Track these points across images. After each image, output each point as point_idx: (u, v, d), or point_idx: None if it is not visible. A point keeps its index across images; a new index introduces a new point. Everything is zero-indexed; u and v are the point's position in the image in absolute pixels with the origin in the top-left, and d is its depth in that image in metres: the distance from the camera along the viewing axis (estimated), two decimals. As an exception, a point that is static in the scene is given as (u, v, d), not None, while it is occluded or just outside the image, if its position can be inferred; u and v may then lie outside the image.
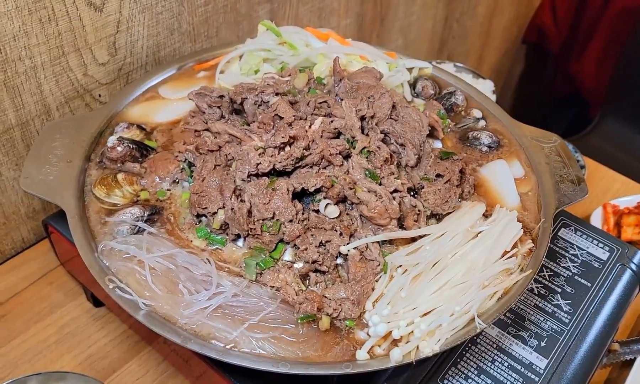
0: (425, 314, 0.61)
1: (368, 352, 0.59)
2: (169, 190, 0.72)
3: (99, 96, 0.92)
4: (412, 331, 0.59)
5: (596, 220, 1.04)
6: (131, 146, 0.74)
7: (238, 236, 0.66)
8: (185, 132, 0.75)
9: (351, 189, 0.66)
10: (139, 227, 0.66)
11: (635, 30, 2.04)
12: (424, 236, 0.67)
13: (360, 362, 0.58)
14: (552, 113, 2.78)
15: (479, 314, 0.62)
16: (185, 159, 0.72)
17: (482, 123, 0.87)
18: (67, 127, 0.77)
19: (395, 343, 0.59)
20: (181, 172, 0.72)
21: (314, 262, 0.63)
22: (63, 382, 0.73)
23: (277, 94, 0.74)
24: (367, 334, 0.60)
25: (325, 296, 0.61)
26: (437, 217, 0.70)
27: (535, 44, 2.60)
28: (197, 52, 0.95)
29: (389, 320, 0.59)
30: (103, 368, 0.81)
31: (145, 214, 0.68)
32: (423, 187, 0.70)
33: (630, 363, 0.85)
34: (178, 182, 0.72)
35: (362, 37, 1.48)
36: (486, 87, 1.24)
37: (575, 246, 0.83)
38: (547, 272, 0.80)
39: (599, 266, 0.81)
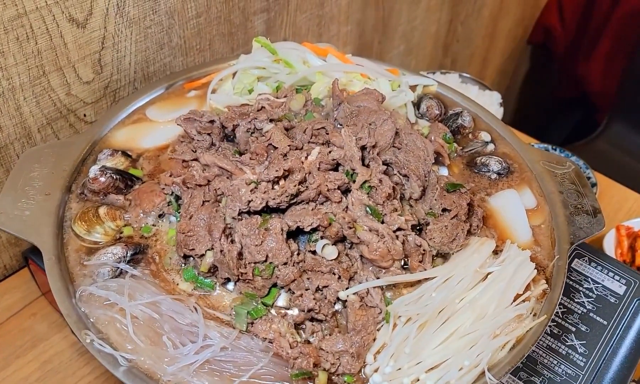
0: (431, 369, 0.56)
1: (369, 413, 0.54)
2: (154, 225, 0.67)
3: (84, 115, 0.87)
4: (418, 389, 0.54)
5: (609, 243, 0.99)
6: (115, 177, 0.69)
7: (228, 280, 0.61)
8: (172, 160, 0.70)
9: (351, 228, 0.61)
10: (121, 269, 0.61)
11: (644, 33, 1.98)
12: (431, 279, 0.62)
13: (360, 425, 0.53)
14: (557, 116, 2.73)
15: (490, 367, 0.57)
16: (172, 192, 0.67)
17: (490, 147, 0.81)
18: (47, 155, 0.72)
19: (398, 403, 0.54)
20: (168, 205, 0.67)
21: (310, 310, 0.58)
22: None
23: (271, 121, 0.69)
24: (368, 391, 0.55)
25: (322, 349, 0.56)
26: (444, 256, 0.65)
27: (541, 45, 2.55)
28: (187, 69, 0.89)
29: (392, 378, 0.54)
30: (88, 407, 0.77)
31: (129, 254, 0.63)
32: (428, 224, 0.65)
33: (648, 402, 0.80)
34: (164, 216, 0.67)
35: (364, 44, 1.43)
36: (493, 99, 1.19)
37: (589, 279, 0.78)
38: (560, 309, 0.75)
39: (615, 301, 0.76)
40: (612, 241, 1.00)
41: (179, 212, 0.66)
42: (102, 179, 0.69)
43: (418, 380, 0.55)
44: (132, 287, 0.59)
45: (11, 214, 0.65)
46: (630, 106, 2.13)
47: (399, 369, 0.55)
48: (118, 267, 0.61)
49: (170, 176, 0.66)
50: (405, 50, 1.63)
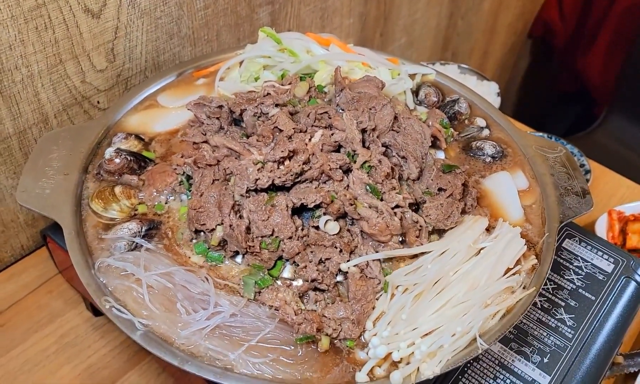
0: (426, 335, 0.60)
1: (368, 374, 0.58)
2: (167, 203, 0.71)
3: (98, 102, 0.91)
4: (413, 353, 0.58)
5: (601, 227, 1.03)
6: (129, 158, 0.73)
7: (237, 253, 0.65)
8: (183, 143, 0.74)
9: (352, 205, 0.65)
10: (137, 243, 0.65)
11: (643, 27, 2.01)
12: (426, 253, 0.66)
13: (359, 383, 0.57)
14: (557, 109, 2.76)
15: (481, 333, 0.60)
16: (184, 172, 0.71)
17: (486, 132, 0.85)
18: (65, 138, 0.76)
19: (395, 364, 0.58)
20: (179, 185, 0.71)
21: (313, 280, 0.62)
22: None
23: (276, 105, 0.73)
24: (367, 354, 0.59)
25: (325, 316, 0.61)
26: (439, 232, 0.69)
27: (541, 39, 2.57)
28: (196, 58, 0.93)
29: (389, 341, 0.58)
30: (103, 378, 0.81)
31: (143, 229, 0.67)
32: (425, 202, 0.69)
33: (634, 375, 0.84)
34: (176, 195, 0.71)
35: (366, 36, 1.47)
36: (491, 89, 1.22)
37: (579, 258, 0.82)
38: (550, 285, 0.79)
39: (604, 278, 0.80)
40: (604, 225, 1.04)
41: (189, 191, 0.70)
42: (117, 160, 0.73)
43: (413, 344, 0.59)
44: (147, 259, 0.64)
45: (32, 192, 0.69)
46: (628, 100, 2.16)
47: (396, 334, 0.59)
48: (134, 242, 0.65)
49: (182, 157, 0.71)
50: (407, 43, 1.67)
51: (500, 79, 2.58)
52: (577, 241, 0.85)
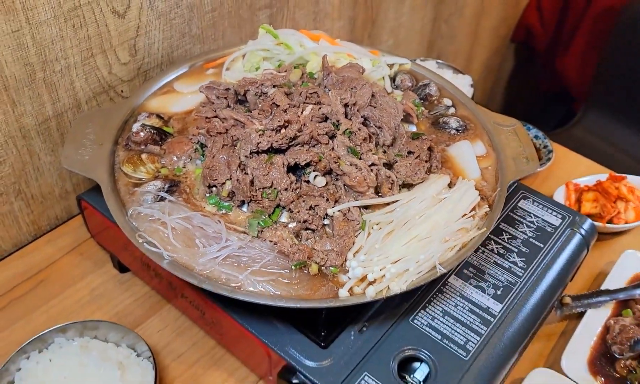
0: (395, 262, 0.74)
1: (348, 291, 0.72)
2: (184, 167, 0.86)
3: (121, 91, 1.06)
4: (384, 275, 0.73)
5: (559, 197, 1.18)
6: (152, 131, 0.88)
7: (242, 203, 0.80)
8: (197, 119, 0.89)
9: (336, 163, 0.80)
10: (161, 196, 0.80)
11: (615, 28, 2.17)
12: (397, 201, 0.81)
13: (342, 298, 0.72)
14: (542, 108, 2.91)
15: (440, 262, 0.75)
16: (198, 141, 0.86)
17: (452, 110, 1.00)
18: (98, 117, 0.91)
19: (370, 283, 0.73)
20: (194, 152, 0.86)
21: (304, 221, 0.77)
22: (97, 330, 0.87)
23: (274, 86, 0.88)
24: (348, 277, 0.74)
25: (314, 248, 0.75)
26: (408, 187, 0.84)
27: (523, 43, 2.73)
28: (205, 52, 1.09)
29: (365, 266, 0.73)
30: (128, 322, 0.95)
31: (166, 186, 0.82)
32: (397, 162, 0.84)
33: (582, 314, 0.98)
34: (192, 160, 0.86)
35: (355, 38, 1.62)
36: (465, 81, 1.37)
37: (532, 214, 0.97)
38: (506, 235, 0.93)
39: (552, 230, 0.95)
40: (562, 195, 1.19)
41: (203, 156, 0.85)
42: (142, 133, 0.88)
43: (384, 268, 0.73)
44: (170, 207, 0.78)
45: (74, 158, 0.84)
46: (603, 97, 2.31)
47: (371, 260, 0.74)
48: (159, 195, 0.80)
49: (197, 128, 0.86)
50: (394, 44, 1.83)
51: (486, 81, 2.74)
52: (531, 201, 0.99)
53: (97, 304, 0.97)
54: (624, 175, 1.20)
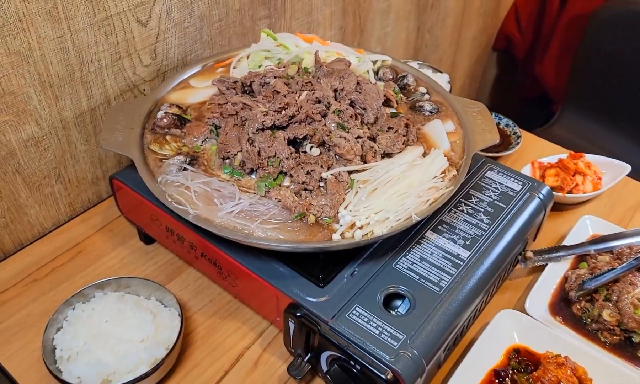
0: (378, 212, 0.91)
1: (340, 235, 0.89)
2: (201, 145, 1.03)
3: (144, 90, 1.23)
4: (369, 222, 0.89)
5: (525, 173, 1.34)
6: (174, 117, 1.05)
7: (252, 170, 0.97)
8: (211, 106, 1.06)
9: (328, 136, 0.97)
10: (184, 167, 0.97)
11: (584, 34, 2.36)
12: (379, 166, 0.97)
13: (335, 241, 0.88)
14: (524, 112, 3.10)
15: (415, 213, 0.92)
16: (213, 123, 1.03)
17: (426, 96, 1.18)
18: (126, 108, 1.08)
19: (358, 229, 0.89)
20: (210, 133, 1.03)
21: (303, 183, 0.94)
22: (129, 287, 1.03)
23: (275, 77, 1.06)
24: (340, 225, 0.90)
25: (312, 204, 0.92)
26: (389, 156, 1.01)
27: (504, 51, 2.92)
28: (215, 54, 1.26)
29: (354, 215, 0.90)
30: (154, 284, 1.11)
31: (187, 160, 0.98)
32: (379, 135, 1.01)
33: (542, 267, 1.14)
34: (208, 139, 1.03)
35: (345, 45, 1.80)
36: (443, 79, 1.55)
37: (497, 182, 1.14)
38: (474, 199, 1.10)
39: (514, 194, 1.11)
40: (528, 172, 1.35)
41: (217, 136, 1.02)
42: (165, 120, 1.05)
43: (369, 216, 0.90)
44: (192, 175, 0.95)
45: (110, 140, 1.01)
46: (577, 97, 2.50)
47: (358, 210, 0.90)
48: (182, 166, 0.97)
49: (212, 113, 1.03)
50: (381, 52, 2.00)
51: (471, 88, 2.93)
52: (496, 172, 1.16)
53: (126, 270, 1.13)
54: (581, 153, 1.37)
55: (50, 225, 1.19)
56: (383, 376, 0.82)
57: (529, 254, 1.13)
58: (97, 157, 1.21)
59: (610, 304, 1.05)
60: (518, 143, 1.45)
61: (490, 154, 1.39)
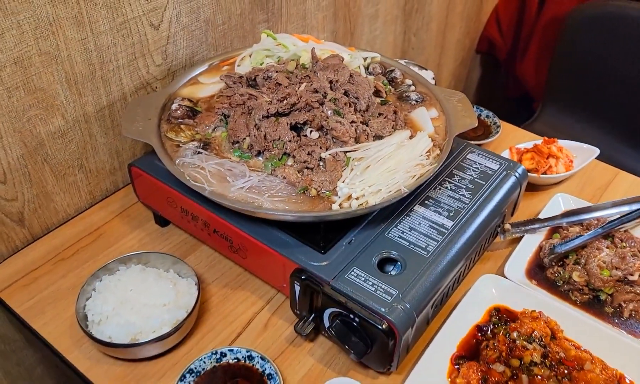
0: (371, 186, 1.03)
1: (339, 205, 1.01)
2: (213, 132, 1.15)
3: (155, 87, 1.35)
4: (364, 194, 1.02)
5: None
6: (187, 109, 1.17)
7: (259, 153, 1.09)
8: (220, 98, 1.18)
9: (325, 121, 1.09)
10: (198, 151, 1.09)
11: (560, 35, 2.50)
12: (371, 147, 1.10)
13: (334, 210, 1.00)
14: (508, 112, 3.24)
15: (404, 186, 1.04)
16: (222, 113, 1.15)
17: (412, 88, 1.31)
18: (143, 102, 1.20)
19: (354, 199, 1.02)
20: (220, 121, 1.15)
21: (305, 162, 1.06)
22: (149, 262, 1.14)
23: (277, 72, 1.18)
24: (338, 197, 1.03)
25: (313, 179, 1.04)
26: (380, 138, 1.14)
27: (487, 54, 3.07)
28: (219, 55, 1.38)
29: (350, 188, 1.02)
30: (170, 262, 1.23)
31: (201, 145, 1.10)
32: (370, 120, 1.14)
33: (519, 239, 1.27)
34: (218, 128, 1.15)
35: (336, 48, 1.93)
36: (428, 75, 1.68)
37: (477, 163, 1.26)
38: (457, 177, 1.22)
39: (492, 173, 1.24)
40: (506, 156, 1.48)
41: (226, 124, 1.14)
42: (179, 111, 1.17)
43: (364, 189, 1.02)
44: (206, 157, 1.07)
45: (131, 129, 1.13)
46: (556, 95, 2.64)
47: (354, 184, 1.02)
48: (197, 150, 1.09)
49: (221, 103, 1.15)
50: (370, 53, 2.14)
51: (456, 89, 3.04)
52: (477, 154, 1.29)
53: (144, 250, 1.24)
54: (554, 138, 1.50)
55: (73, 211, 1.30)
56: (379, 326, 0.94)
57: (507, 226, 1.26)
58: (114, 150, 1.33)
59: (579, 267, 1.18)
60: (498, 132, 1.58)
61: (472, 142, 1.51)
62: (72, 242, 1.24)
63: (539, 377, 0.96)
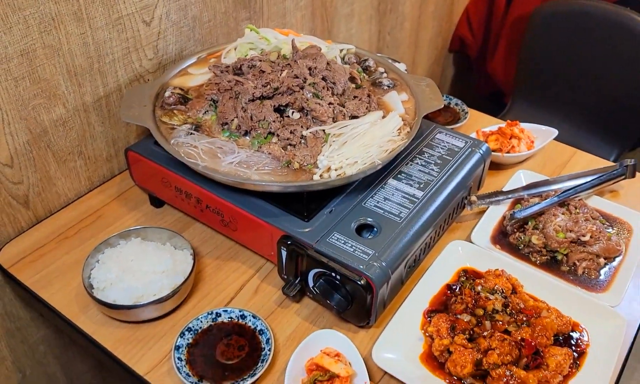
0: (348, 158, 1.15)
1: (319, 176, 1.13)
2: (203, 116, 1.26)
3: (147, 79, 1.46)
4: (342, 165, 1.14)
5: (471, 140, 1.60)
6: (179, 96, 1.28)
7: (246, 132, 1.20)
8: (209, 86, 1.29)
9: (305, 103, 1.21)
10: (191, 132, 1.20)
11: (526, 32, 2.65)
12: (348, 125, 1.22)
13: (315, 181, 1.12)
14: (482, 108, 3.39)
15: (378, 159, 1.16)
16: (211, 99, 1.26)
17: (385, 75, 1.43)
18: (138, 91, 1.31)
19: (333, 171, 1.13)
20: (210, 106, 1.26)
21: (288, 139, 1.17)
22: (147, 235, 1.24)
23: (260, 61, 1.30)
24: (318, 168, 1.14)
25: (296, 154, 1.16)
26: (355, 118, 1.26)
27: (459, 52, 3.21)
28: (206, 49, 1.50)
29: (329, 160, 1.14)
30: (165, 239, 1.33)
31: (193, 127, 1.21)
32: (346, 102, 1.26)
33: (485, 210, 1.40)
34: (208, 112, 1.26)
35: (315, 45, 2.05)
36: (401, 66, 1.80)
37: (445, 141, 1.39)
38: (427, 154, 1.35)
39: (458, 149, 1.37)
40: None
41: (216, 109, 1.25)
42: (172, 98, 1.28)
43: (342, 161, 1.14)
44: (198, 137, 1.18)
45: (129, 114, 1.23)
46: (524, 89, 2.78)
47: (332, 157, 1.14)
48: (189, 131, 1.20)
49: (211, 90, 1.26)
50: (347, 52, 2.26)
51: (431, 87, 3.19)
52: (445, 134, 1.42)
53: (145, 224, 1.35)
54: (516, 121, 1.64)
55: (73, 195, 1.40)
56: (358, 282, 1.06)
57: (473, 198, 1.38)
58: (110, 138, 1.43)
59: (538, 232, 1.31)
60: (466, 117, 1.71)
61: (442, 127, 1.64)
62: (73, 223, 1.34)
63: (500, 322, 1.08)
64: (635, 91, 2.38)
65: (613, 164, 1.53)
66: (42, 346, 1.46)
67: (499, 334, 1.06)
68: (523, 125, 1.64)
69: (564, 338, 1.11)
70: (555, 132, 1.63)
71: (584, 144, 2.35)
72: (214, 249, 1.30)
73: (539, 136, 1.64)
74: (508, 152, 1.56)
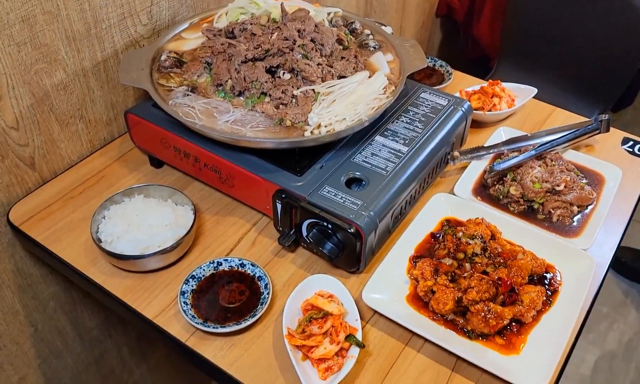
0: (337, 115, 1.22)
1: (310, 132, 1.20)
2: (198, 78, 1.32)
3: (142, 45, 1.51)
4: (331, 122, 1.21)
5: (455, 99, 1.68)
6: (174, 59, 1.34)
7: (240, 93, 1.27)
8: (203, 48, 1.35)
9: (296, 64, 1.27)
10: (187, 93, 1.27)
11: (511, -5, 2.69)
12: (336, 85, 1.29)
13: (307, 137, 1.19)
14: (470, 72, 3.45)
15: (365, 116, 1.23)
16: (206, 61, 1.33)
17: (371, 37, 1.50)
18: (135, 55, 1.36)
19: (323, 127, 1.21)
20: (204, 69, 1.33)
21: (279, 98, 1.24)
22: (150, 194, 1.32)
23: (251, 24, 1.36)
24: (309, 125, 1.21)
25: (287, 112, 1.23)
26: (343, 77, 1.32)
27: (446, 17, 3.26)
28: (198, 14, 1.55)
29: (319, 118, 1.21)
30: (165, 197, 1.40)
31: (189, 89, 1.28)
32: (334, 63, 1.33)
33: (467, 165, 1.48)
34: (203, 74, 1.33)
35: (304, 10, 2.10)
36: (387, 30, 1.86)
37: (429, 100, 1.46)
38: (411, 112, 1.42)
39: (442, 108, 1.44)
40: (457, 98, 1.69)
41: (210, 71, 1.31)
42: (168, 62, 1.34)
43: (331, 119, 1.21)
44: (195, 98, 1.25)
45: (127, 77, 1.29)
46: (509, 52, 2.84)
47: (322, 114, 1.21)
48: (186, 93, 1.26)
49: (205, 52, 1.32)
50: (335, 17, 2.30)
51: (418, 51, 3.24)
52: (428, 93, 1.49)
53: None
54: (498, 80, 1.71)
55: (76, 158, 1.47)
56: (348, 230, 1.14)
57: (456, 153, 1.46)
58: (109, 102, 1.49)
59: (516, 183, 1.39)
60: (450, 78, 1.78)
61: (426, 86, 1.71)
62: (78, 184, 1.41)
63: (479, 264, 1.18)
64: (614, 52, 2.45)
65: (589, 119, 1.61)
66: (52, 301, 1.54)
67: (477, 274, 1.15)
68: (504, 84, 1.72)
69: (538, 278, 1.20)
70: (534, 90, 1.70)
71: (567, 106, 2.43)
72: (212, 206, 1.37)
73: (519, 94, 1.72)
74: (490, 110, 1.64)
